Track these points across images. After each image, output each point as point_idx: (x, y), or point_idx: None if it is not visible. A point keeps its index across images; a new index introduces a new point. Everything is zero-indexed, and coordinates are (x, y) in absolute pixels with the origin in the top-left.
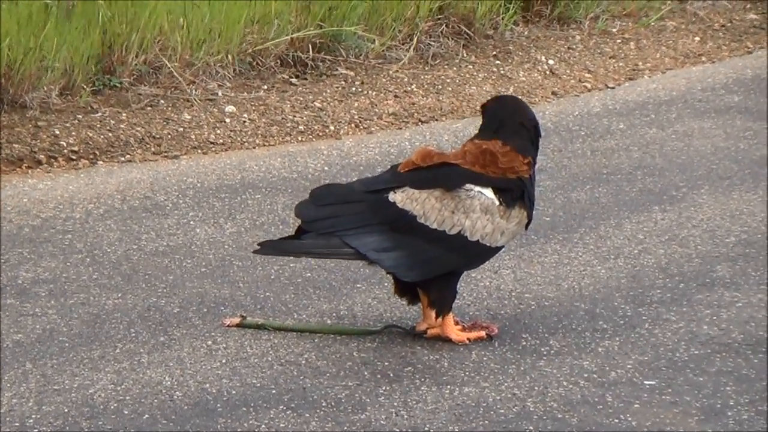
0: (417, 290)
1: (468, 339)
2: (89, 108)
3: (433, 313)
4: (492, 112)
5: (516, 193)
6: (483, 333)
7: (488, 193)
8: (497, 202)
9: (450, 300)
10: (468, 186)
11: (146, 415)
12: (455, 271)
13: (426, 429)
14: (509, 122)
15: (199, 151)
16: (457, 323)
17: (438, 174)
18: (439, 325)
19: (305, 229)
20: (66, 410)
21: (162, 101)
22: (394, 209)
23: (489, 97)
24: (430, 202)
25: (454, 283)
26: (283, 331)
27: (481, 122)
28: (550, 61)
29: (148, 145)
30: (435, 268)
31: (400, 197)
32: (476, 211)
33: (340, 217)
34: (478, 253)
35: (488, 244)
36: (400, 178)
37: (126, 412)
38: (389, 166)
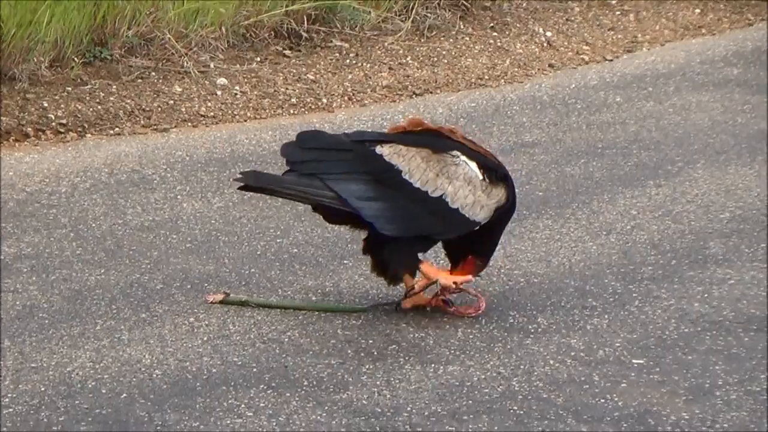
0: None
1: (455, 283)
2: (79, 80)
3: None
4: None
5: (499, 173)
6: (472, 288)
7: (473, 166)
8: (480, 177)
9: (411, 262)
10: (455, 153)
11: (124, 394)
12: (432, 237)
13: (408, 409)
14: None
15: (189, 124)
16: (444, 301)
17: (427, 137)
18: (423, 278)
19: (290, 168)
20: (43, 389)
21: (153, 73)
22: (381, 161)
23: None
24: (415, 160)
25: (418, 249)
26: (266, 308)
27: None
28: (548, 33)
29: (137, 118)
30: (414, 226)
31: (387, 150)
32: (459, 179)
33: (325, 162)
34: (457, 222)
35: (467, 216)
36: (389, 136)
37: (104, 391)
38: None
